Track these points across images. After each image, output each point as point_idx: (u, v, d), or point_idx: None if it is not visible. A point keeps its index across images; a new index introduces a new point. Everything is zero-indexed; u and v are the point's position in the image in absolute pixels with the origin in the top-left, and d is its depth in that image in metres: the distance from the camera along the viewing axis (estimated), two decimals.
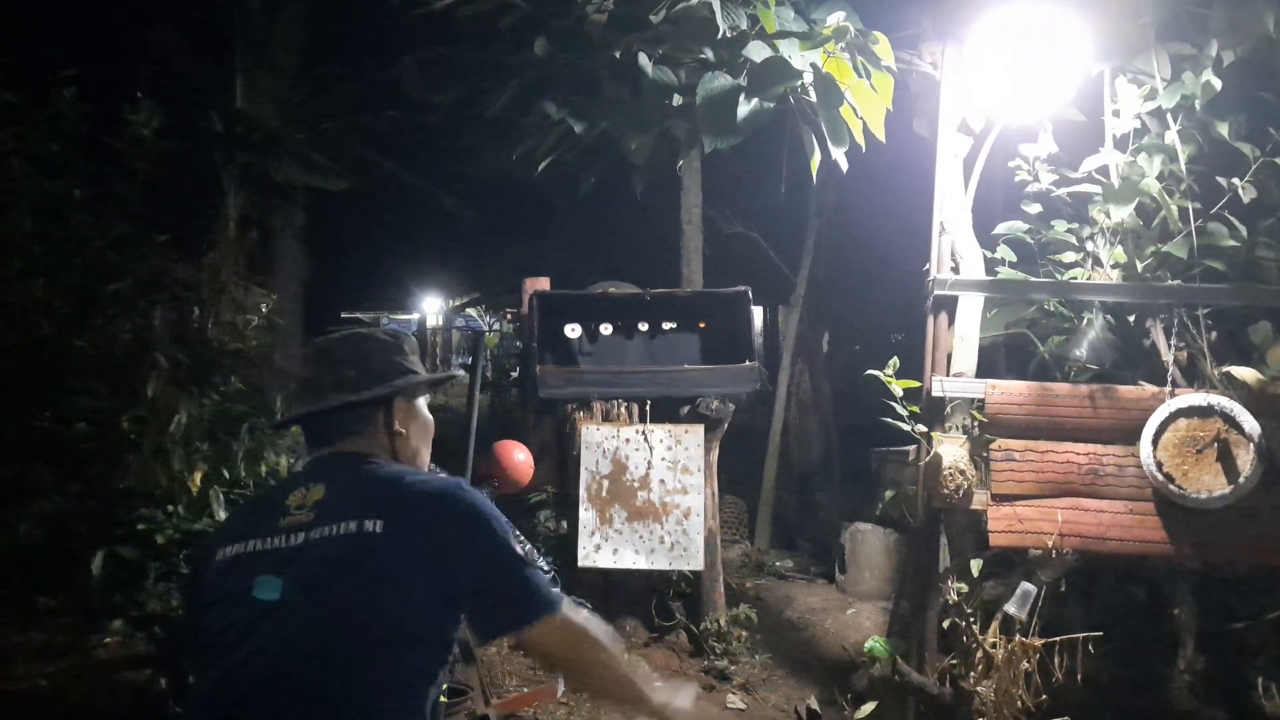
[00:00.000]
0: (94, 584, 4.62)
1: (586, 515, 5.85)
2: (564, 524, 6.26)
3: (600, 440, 5.94)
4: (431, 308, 25.62)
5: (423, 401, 2.17)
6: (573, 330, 6.27)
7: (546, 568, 2.05)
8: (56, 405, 5.06)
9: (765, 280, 9.68)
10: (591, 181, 5.38)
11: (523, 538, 2.05)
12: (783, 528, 8.84)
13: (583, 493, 5.88)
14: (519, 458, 4.81)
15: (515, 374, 7.38)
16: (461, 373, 2.10)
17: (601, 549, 5.82)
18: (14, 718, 4.56)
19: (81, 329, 5.25)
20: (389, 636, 1.79)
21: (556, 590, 2.02)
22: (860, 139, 4.52)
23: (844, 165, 4.57)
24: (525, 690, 5.05)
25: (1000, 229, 4.99)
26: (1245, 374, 4.69)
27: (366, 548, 1.81)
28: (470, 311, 23.80)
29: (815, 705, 5.30)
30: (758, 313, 9.23)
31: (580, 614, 2.00)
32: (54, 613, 5.61)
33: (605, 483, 5.92)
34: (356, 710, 1.73)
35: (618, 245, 11.05)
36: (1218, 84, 4.58)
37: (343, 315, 21.68)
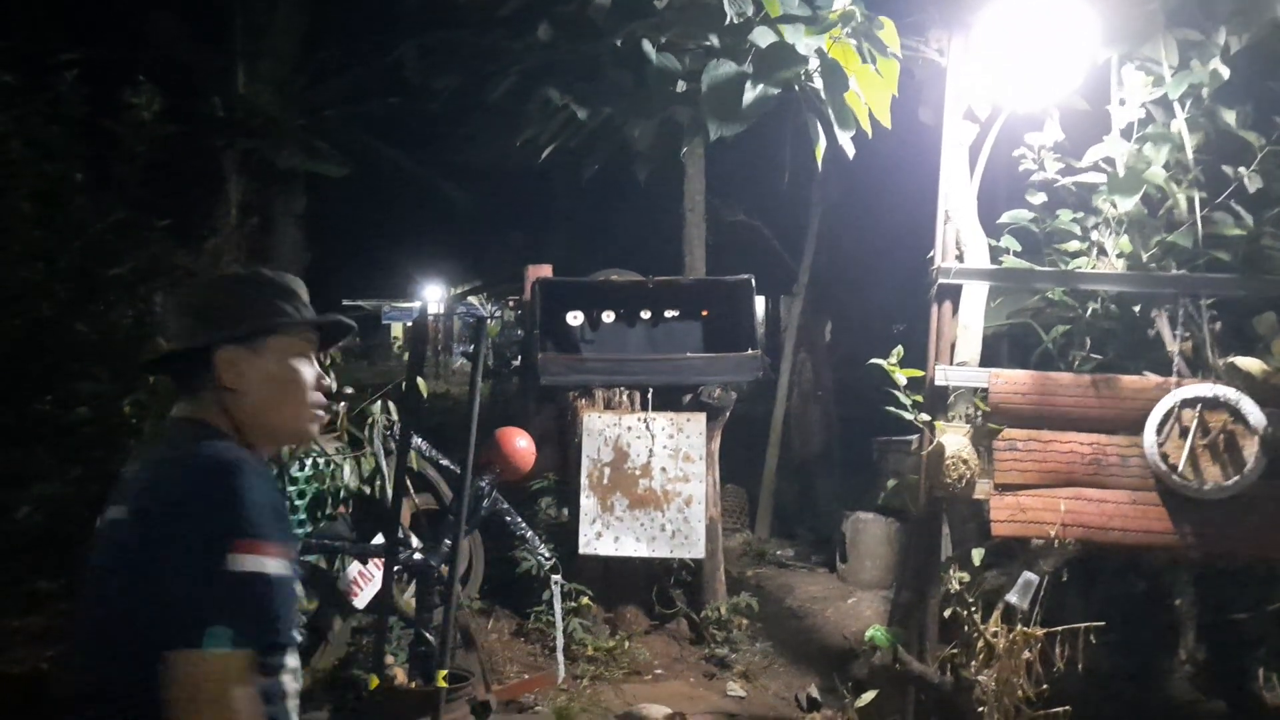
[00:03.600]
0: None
1: (588, 503, 5.84)
2: (565, 511, 6.26)
3: (602, 428, 5.93)
4: (433, 296, 25.58)
5: (290, 351, 1.77)
6: (575, 318, 6.26)
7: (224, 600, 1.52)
8: (57, 389, 5.04)
9: (768, 269, 9.63)
10: (594, 169, 5.35)
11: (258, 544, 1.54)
12: (783, 517, 8.84)
13: (584, 480, 5.88)
14: (520, 445, 4.80)
15: (517, 362, 7.34)
16: (352, 323, 1.88)
17: (603, 536, 5.82)
18: (14, 701, 4.56)
19: (82, 313, 5.23)
20: (120, 627, 1.57)
21: (238, 624, 1.50)
22: (866, 125, 4.49)
23: (850, 151, 4.54)
24: (526, 677, 5.05)
25: (1005, 218, 4.96)
26: (1250, 364, 4.67)
27: (113, 538, 1.65)
28: (472, 300, 23.78)
29: (816, 693, 5.30)
30: (760, 302, 9.24)
31: (232, 675, 1.49)
32: (54, 597, 5.61)
33: (607, 470, 5.91)
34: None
35: (620, 233, 11.02)
36: (1226, 72, 4.55)
37: (344, 303, 21.66)
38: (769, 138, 7.97)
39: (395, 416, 4.70)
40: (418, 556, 4.41)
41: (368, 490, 4.78)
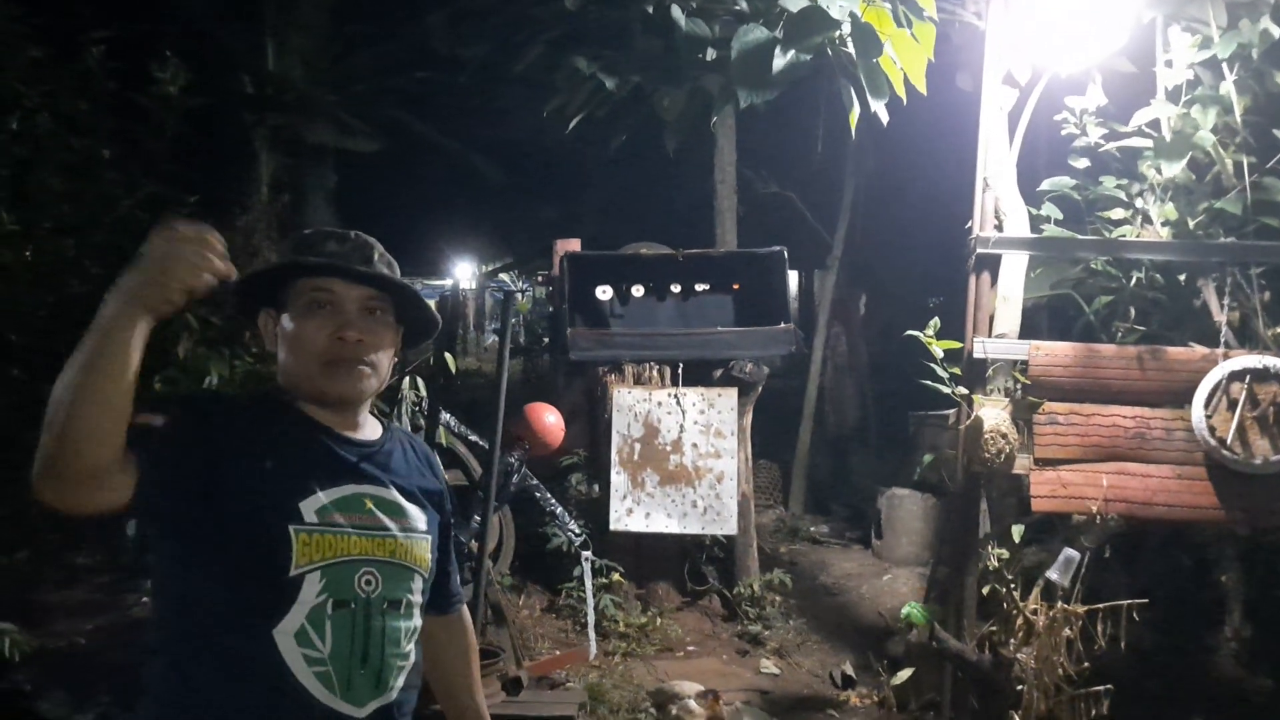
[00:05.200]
0: (129, 543, 4.62)
1: (618, 479, 5.79)
2: (595, 487, 6.22)
3: (632, 403, 5.87)
4: (464, 273, 25.60)
5: (297, 303, 1.72)
6: (604, 292, 6.18)
7: None
8: None
9: (801, 242, 9.50)
10: (623, 139, 5.26)
11: None
12: (817, 493, 8.75)
13: (614, 456, 5.82)
14: (549, 420, 4.75)
15: (547, 338, 7.26)
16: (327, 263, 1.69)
17: (633, 513, 5.77)
18: (54, 674, 4.61)
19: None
20: None
21: None
22: (901, 92, 4.35)
23: (884, 118, 4.41)
24: (558, 653, 5.02)
25: (1046, 185, 4.83)
26: None
27: None
28: (503, 276, 23.77)
29: (851, 670, 5.23)
30: (793, 275, 9.12)
31: None
32: (91, 570, 5.66)
33: (637, 446, 5.85)
34: None
35: (650, 207, 10.92)
36: (1276, 31, 4.38)
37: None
38: (802, 108, 7.82)
39: (424, 393, 4.66)
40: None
41: None
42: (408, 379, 4.54)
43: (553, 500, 5.07)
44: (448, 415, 4.81)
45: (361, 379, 1.73)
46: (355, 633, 1.64)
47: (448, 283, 26.27)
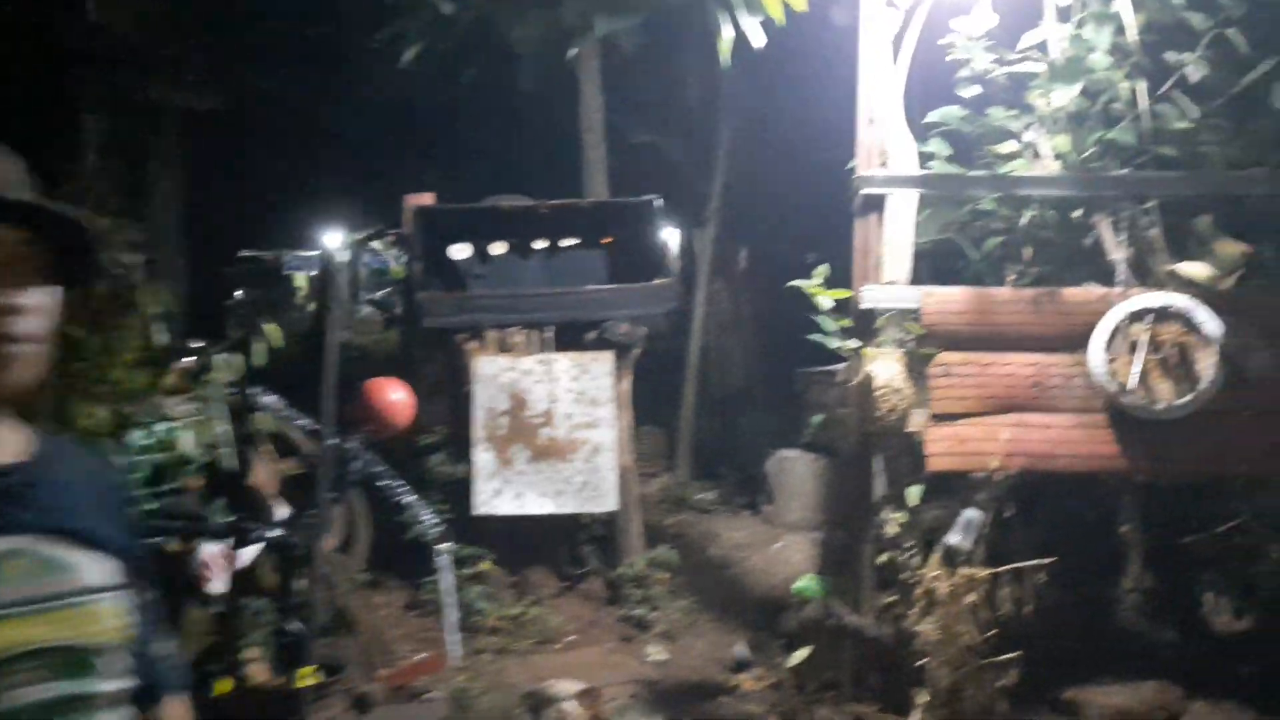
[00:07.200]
0: None
1: (484, 457, 5.26)
2: (461, 468, 5.65)
3: (496, 373, 5.33)
4: (335, 243, 24.45)
5: None
6: (460, 251, 5.60)
7: None
8: None
9: (681, 195, 9.04)
10: (472, 73, 4.70)
11: None
12: (705, 457, 8.37)
13: (479, 432, 5.28)
14: (395, 397, 4.20)
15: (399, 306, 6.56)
16: None
17: (502, 494, 5.25)
18: None
19: None
20: None
21: None
22: (778, 13, 3.90)
23: (759, 40, 3.96)
24: (418, 658, 4.47)
25: (933, 116, 4.52)
26: (1196, 270, 4.44)
27: None
28: (376, 245, 22.76)
29: (745, 652, 4.86)
30: (676, 231, 8.66)
31: None
32: None
33: (504, 420, 5.32)
34: None
35: (520, 161, 10.32)
36: None
37: (242, 253, 20.50)
38: (675, 50, 7.32)
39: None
40: (276, 531, 3.79)
41: (220, 459, 4.12)
42: (220, 356, 3.91)
43: (403, 487, 4.51)
44: (271, 397, 4.18)
45: None
46: None
47: (316, 253, 25.13)
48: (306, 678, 3.41)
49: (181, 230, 12.26)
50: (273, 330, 3.97)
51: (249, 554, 4.27)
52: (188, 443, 3.96)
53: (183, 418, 3.98)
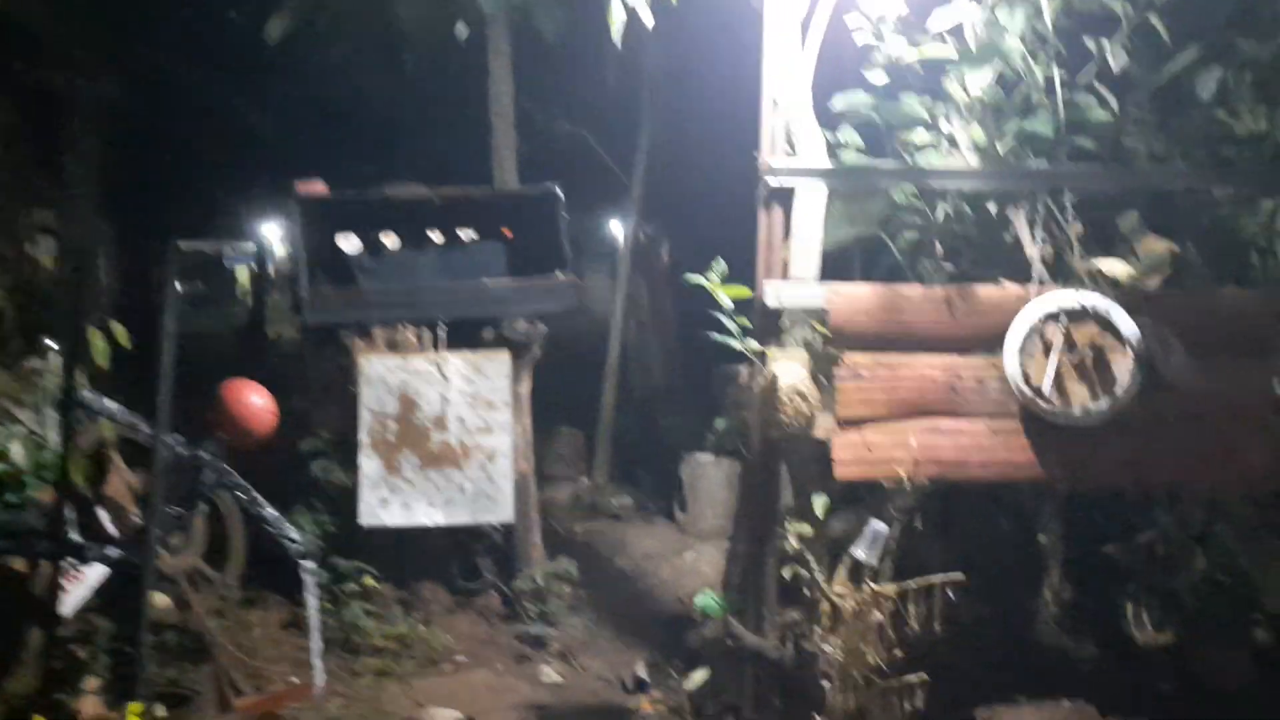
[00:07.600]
0: None
1: (369, 465, 4.88)
2: (353, 475, 5.29)
3: (383, 373, 4.96)
4: (272, 234, 23.76)
5: None
6: (348, 242, 5.20)
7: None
8: None
9: (600, 188, 8.74)
10: (352, 49, 4.35)
11: None
12: (624, 460, 8.12)
13: (364, 438, 4.89)
14: (253, 401, 3.84)
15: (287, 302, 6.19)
16: None
17: (389, 504, 4.87)
18: None
19: None
20: None
21: None
22: None
23: (648, 20, 3.68)
24: (286, 683, 4.11)
25: (839, 103, 4.24)
26: (1116, 268, 4.29)
27: None
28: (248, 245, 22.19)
29: (644, 673, 4.58)
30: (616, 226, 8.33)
31: None
32: None
33: (391, 424, 4.95)
34: None
35: (440, 151, 9.98)
36: None
37: (181, 245, 19.76)
38: (592, 36, 7.01)
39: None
40: (115, 551, 3.41)
41: (67, 470, 3.72)
42: (51, 355, 3.52)
43: (260, 501, 4.13)
44: (109, 402, 3.77)
45: None
46: None
47: (250, 246, 24.36)
48: (134, 714, 3.05)
49: (101, 219, 11.72)
50: (120, 330, 3.57)
51: (98, 573, 3.89)
52: (17, 453, 3.56)
53: (11, 424, 3.58)
